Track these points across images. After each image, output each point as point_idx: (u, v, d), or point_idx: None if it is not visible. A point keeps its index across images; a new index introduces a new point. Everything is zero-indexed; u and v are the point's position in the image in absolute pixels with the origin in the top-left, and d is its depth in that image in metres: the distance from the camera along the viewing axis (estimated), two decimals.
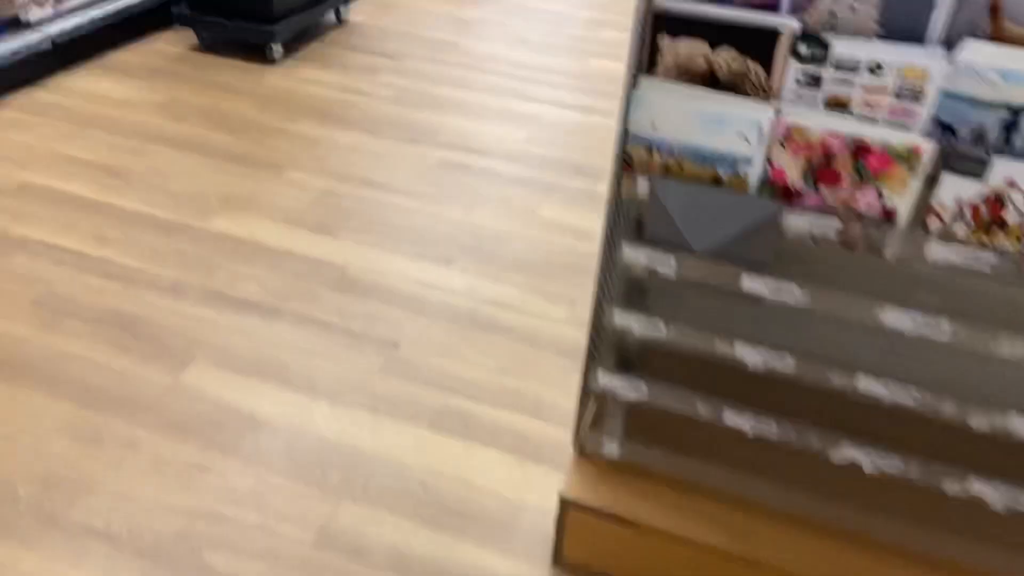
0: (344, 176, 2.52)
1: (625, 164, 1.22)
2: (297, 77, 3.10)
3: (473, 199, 2.45)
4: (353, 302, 2.01)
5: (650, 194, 1.21)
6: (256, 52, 3.18)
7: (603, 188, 2.52)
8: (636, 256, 1.27)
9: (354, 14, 3.56)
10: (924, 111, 1.05)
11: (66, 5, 2.96)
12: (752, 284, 1.22)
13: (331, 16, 3.49)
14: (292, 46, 3.26)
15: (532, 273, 2.15)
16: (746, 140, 1.14)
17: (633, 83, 1.16)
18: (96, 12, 3.05)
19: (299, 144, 2.68)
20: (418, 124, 2.84)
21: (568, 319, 2.00)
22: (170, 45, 3.24)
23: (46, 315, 1.92)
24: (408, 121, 2.86)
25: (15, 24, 2.83)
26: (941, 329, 1.15)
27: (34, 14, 2.85)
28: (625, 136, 1.20)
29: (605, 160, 2.67)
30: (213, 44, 3.25)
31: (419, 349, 1.89)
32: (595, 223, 2.36)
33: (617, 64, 3.34)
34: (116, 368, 1.78)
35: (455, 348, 1.89)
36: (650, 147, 1.19)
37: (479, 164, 2.63)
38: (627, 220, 1.27)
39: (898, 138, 1.06)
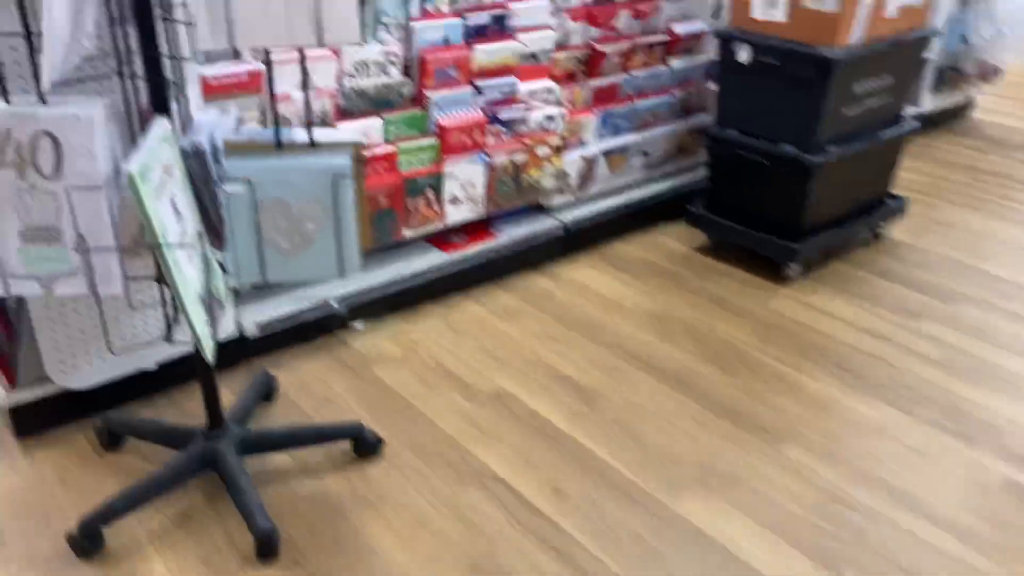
0: (861, 474, 1.89)
1: None
2: (811, 305, 2.57)
3: None
4: None
5: None
6: (768, 265, 2.75)
7: None
8: None
9: (894, 229, 2.93)
10: None
11: (587, 193, 2.88)
12: None
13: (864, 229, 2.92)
14: (810, 261, 2.76)
15: None
16: None
17: None
18: (612, 201, 2.93)
19: (803, 404, 2.12)
20: (972, 410, 2.09)
21: None
22: (673, 240, 2.98)
23: None
24: (958, 403, 2.12)
25: (537, 209, 2.82)
26: None
27: (557, 201, 2.81)
28: None
29: None
30: (720, 246, 2.91)
31: None
32: None
33: None
34: None
35: None
36: None
37: None
38: None
39: None
